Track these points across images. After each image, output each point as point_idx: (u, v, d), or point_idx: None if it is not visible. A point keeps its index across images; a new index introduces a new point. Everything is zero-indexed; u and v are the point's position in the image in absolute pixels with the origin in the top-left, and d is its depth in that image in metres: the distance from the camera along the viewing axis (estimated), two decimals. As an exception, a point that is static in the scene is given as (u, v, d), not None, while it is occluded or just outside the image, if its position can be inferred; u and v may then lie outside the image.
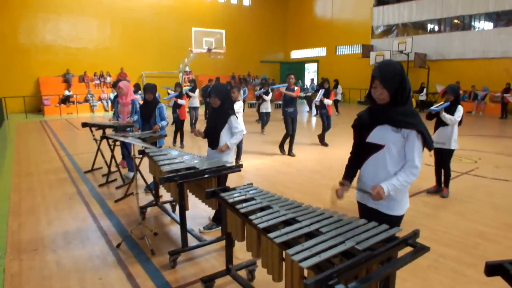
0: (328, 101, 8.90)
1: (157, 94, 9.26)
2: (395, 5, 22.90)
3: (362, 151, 2.29)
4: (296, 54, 30.47)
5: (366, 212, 2.31)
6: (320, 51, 28.16)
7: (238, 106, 6.32)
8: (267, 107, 11.28)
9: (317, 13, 28.07)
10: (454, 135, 5.10)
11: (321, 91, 9.03)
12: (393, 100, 2.14)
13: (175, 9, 24.23)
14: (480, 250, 3.64)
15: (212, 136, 4.04)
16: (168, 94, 11.70)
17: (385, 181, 2.13)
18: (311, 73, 29.56)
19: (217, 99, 3.93)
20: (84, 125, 6.48)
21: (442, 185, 5.36)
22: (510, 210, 4.75)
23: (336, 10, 26.46)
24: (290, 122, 7.98)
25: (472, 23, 20.05)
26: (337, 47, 26.77)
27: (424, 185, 5.60)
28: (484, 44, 18.84)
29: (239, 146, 7.01)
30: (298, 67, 29.85)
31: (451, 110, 5.05)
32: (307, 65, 29.78)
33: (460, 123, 5.11)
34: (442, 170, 5.32)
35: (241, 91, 15.17)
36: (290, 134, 8.03)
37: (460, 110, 5.04)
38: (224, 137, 3.98)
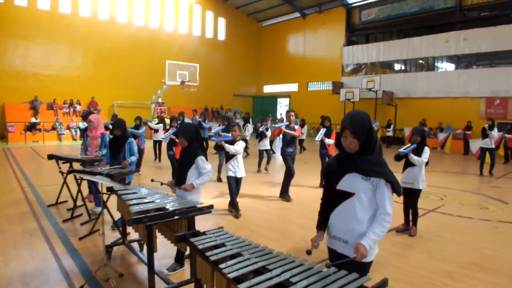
0: (329, 141, 8.30)
1: (136, 127, 9.19)
2: (364, 45, 23.99)
3: (332, 198, 2.33)
4: (268, 89, 31.11)
5: (336, 258, 2.31)
6: (292, 87, 28.89)
7: (240, 146, 6.11)
8: (266, 144, 10.85)
9: (290, 50, 28.99)
10: (421, 175, 5.29)
11: (322, 130, 8.39)
12: (362, 149, 2.21)
13: (150, 41, 24.45)
14: (447, 291, 3.69)
15: (179, 176, 4.00)
16: (150, 127, 11.50)
17: (364, 236, 2.16)
18: (283, 107, 30.10)
19: (184, 140, 3.91)
20: (50, 157, 6.29)
21: (411, 223, 5.46)
22: (475, 248, 4.87)
23: (308, 48, 27.42)
24: (291, 163, 7.46)
25: (436, 64, 21.22)
26: (309, 83, 27.58)
27: (393, 223, 5.68)
28: (446, 84, 19.92)
29: (232, 188, 6.23)
30: (270, 101, 30.41)
31: (418, 151, 5.25)
32: (279, 100, 30.36)
33: (427, 163, 5.31)
34: (411, 210, 5.43)
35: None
36: (293, 175, 7.44)
37: (426, 151, 5.25)
38: (191, 178, 3.94)
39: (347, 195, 2.24)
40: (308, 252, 2.23)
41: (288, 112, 7.64)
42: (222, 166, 9.06)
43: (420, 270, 4.17)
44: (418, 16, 21.37)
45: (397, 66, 23.17)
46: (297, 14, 27.58)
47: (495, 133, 10.65)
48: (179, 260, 4.00)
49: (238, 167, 6.16)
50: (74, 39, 21.59)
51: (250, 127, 13.96)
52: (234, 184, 6.17)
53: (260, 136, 11.00)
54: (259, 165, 10.90)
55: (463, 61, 19.90)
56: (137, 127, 9.66)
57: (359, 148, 2.21)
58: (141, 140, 9.53)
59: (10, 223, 5.47)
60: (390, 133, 19.68)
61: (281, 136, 7.64)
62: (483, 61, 19.28)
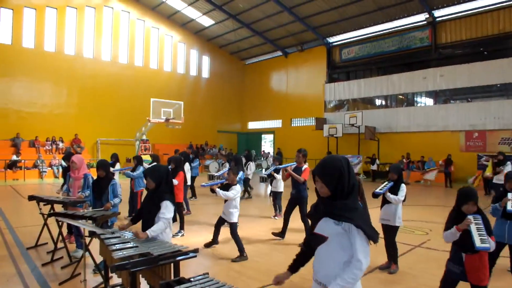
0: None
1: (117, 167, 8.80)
2: (345, 82, 24.74)
3: (311, 242, 2.38)
4: (253, 125, 31.47)
5: None
6: (276, 123, 29.31)
7: (234, 192, 5.85)
8: (278, 186, 9.46)
9: (273, 87, 29.65)
10: (398, 213, 5.31)
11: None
12: (333, 194, 2.24)
13: (134, 79, 24.71)
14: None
15: (146, 221, 3.79)
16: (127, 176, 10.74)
17: (333, 281, 2.17)
18: (267, 143, 30.34)
19: (151, 181, 3.78)
20: (31, 198, 6.16)
21: (387, 262, 5.45)
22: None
23: (291, 85, 28.09)
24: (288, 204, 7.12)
25: (415, 99, 21.94)
26: (292, 119, 28.01)
27: (379, 261, 5.66)
28: (427, 118, 20.54)
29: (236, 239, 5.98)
30: (255, 137, 30.70)
31: (395, 188, 5.29)
32: (263, 136, 30.64)
33: (404, 200, 5.34)
34: (390, 247, 5.42)
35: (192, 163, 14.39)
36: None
37: (403, 189, 5.28)
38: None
39: (322, 239, 2.26)
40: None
41: (297, 152, 7.02)
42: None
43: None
44: (396, 54, 22.26)
45: (378, 102, 23.82)
46: (279, 53, 28.41)
47: (508, 167, 10.35)
48: None
49: (230, 212, 5.96)
50: (58, 76, 21.65)
51: (252, 166, 13.02)
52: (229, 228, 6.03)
53: (270, 177, 10.23)
54: (276, 209, 9.63)
55: (441, 96, 20.66)
56: (134, 168, 8.89)
57: (331, 193, 2.24)
58: (135, 183, 8.74)
59: (-14, 269, 5.26)
60: (374, 167, 19.93)
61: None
62: (460, 96, 20.04)
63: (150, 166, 3.94)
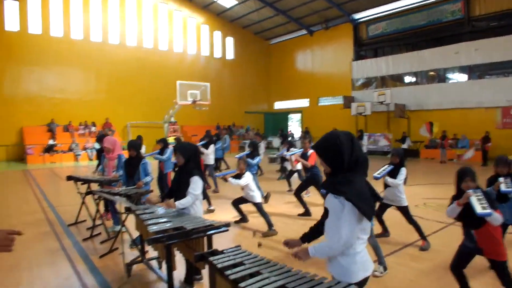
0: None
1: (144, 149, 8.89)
2: (372, 60, 24.09)
3: (323, 216, 2.45)
4: (279, 105, 31.29)
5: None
6: (303, 102, 29.01)
7: (245, 180, 6.13)
8: (295, 166, 9.53)
9: (299, 66, 29.24)
10: (401, 194, 5.34)
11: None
12: (333, 169, 2.27)
13: (160, 63, 25.01)
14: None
15: (176, 195, 3.96)
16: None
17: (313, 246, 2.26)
18: (294, 122, 30.20)
19: (181, 157, 3.94)
20: (69, 178, 6.45)
21: (419, 239, 5.42)
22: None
23: (317, 63, 27.64)
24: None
25: (447, 75, 21.15)
26: (319, 98, 27.64)
27: (407, 239, 5.63)
28: (459, 95, 19.74)
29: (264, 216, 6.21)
30: (281, 117, 30.55)
31: (395, 172, 5.29)
32: (290, 115, 30.48)
33: (404, 182, 5.34)
34: (413, 226, 5.39)
35: (224, 138, 14.90)
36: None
37: (402, 173, 5.28)
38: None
39: (328, 212, 2.32)
40: (259, 245, 2.34)
41: (302, 139, 7.33)
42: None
43: (441, 285, 4.14)
44: (425, 29, 21.40)
45: (407, 79, 23.15)
46: (304, 32, 27.90)
47: None
48: (188, 280, 4.03)
49: (250, 196, 6.23)
50: (86, 63, 22.22)
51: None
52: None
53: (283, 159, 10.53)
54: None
55: (475, 71, 19.79)
56: (161, 151, 8.86)
57: (330, 169, 2.28)
58: (165, 165, 8.75)
59: (33, 243, 5.61)
60: (405, 146, 19.32)
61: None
62: (496, 70, 19.12)
63: (181, 143, 4.08)
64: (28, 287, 4.08)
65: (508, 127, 17.70)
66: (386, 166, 5.43)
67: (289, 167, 10.48)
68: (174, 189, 4.06)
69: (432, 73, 21.68)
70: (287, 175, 10.22)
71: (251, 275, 2.20)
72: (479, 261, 3.76)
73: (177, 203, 3.80)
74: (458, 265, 3.58)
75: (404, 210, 5.39)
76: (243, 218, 6.71)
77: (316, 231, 2.56)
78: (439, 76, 21.47)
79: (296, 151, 7.32)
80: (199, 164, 4.13)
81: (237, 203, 6.56)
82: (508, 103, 17.97)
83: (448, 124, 19.57)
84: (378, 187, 5.62)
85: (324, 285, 2.05)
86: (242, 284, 2.05)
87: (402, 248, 5.38)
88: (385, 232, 5.77)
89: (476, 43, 19.09)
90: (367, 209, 2.13)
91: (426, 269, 4.63)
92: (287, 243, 2.54)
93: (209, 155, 10.17)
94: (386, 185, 5.42)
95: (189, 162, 3.95)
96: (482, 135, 17.11)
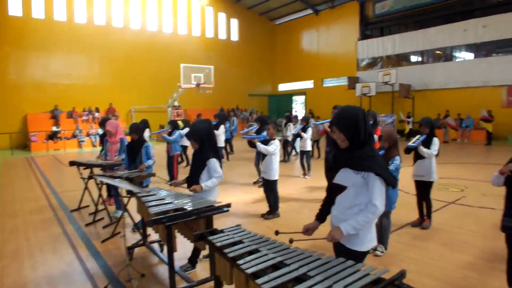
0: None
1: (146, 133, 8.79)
2: (378, 39, 23.73)
3: (332, 192, 2.45)
4: (283, 87, 31.04)
5: (337, 248, 2.45)
6: (308, 84, 28.75)
7: (273, 147, 5.78)
8: (306, 145, 9.51)
9: (304, 47, 28.88)
10: (432, 167, 5.18)
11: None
12: (351, 144, 2.28)
13: (164, 46, 24.75)
14: (469, 282, 3.65)
15: (191, 179, 3.93)
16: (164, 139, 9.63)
17: (345, 222, 2.25)
18: (299, 104, 29.99)
19: (195, 142, 3.87)
20: (72, 163, 6.44)
21: (425, 216, 5.37)
22: (497, 238, 4.72)
23: (322, 44, 27.27)
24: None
25: (454, 54, 20.80)
26: (324, 80, 27.39)
27: (411, 217, 5.60)
28: (465, 74, 19.47)
29: (275, 196, 6.05)
30: (286, 99, 30.34)
31: (427, 142, 5.15)
32: (294, 97, 30.27)
33: (437, 155, 5.19)
34: (424, 202, 5.34)
35: (232, 120, 14.85)
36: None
37: (435, 143, 5.14)
38: (204, 180, 3.88)
39: (341, 188, 2.34)
40: (276, 232, 2.41)
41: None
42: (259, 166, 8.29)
43: (440, 262, 4.12)
44: (434, 6, 20.94)
45: (413, 58, 22.83)
46: (310, 11, 27.45)
47: None
48: (192, 261, 4.03)
49: (270, 169, 5.87)
50: (90, 48, 22.05)
51: (292, 127, 12.22)
52: (265, 186, 6.04)
53: (298, 137, 10.07)
54: (304, 169, 9.61)
55: (482, 49, 19.43)
56: (169, 133, 8.94)
57: (349, 143, 2.29)
58: (172, 147, 8.78)
59: (36, 229, 5.63)
60: (410, 125, 19.31)
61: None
62: (503, 49, 18.72)
63: (191, 127, 3.98)
64: (31, 273, 4.08)
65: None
66: (418, 136, 5.29)
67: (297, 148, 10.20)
68: (191, 171, 4.01)
69: (438, 52, 21.35)
70: (301, 157, 9.78)
71: (250, 253, 2.18)
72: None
73: (203, 184, 3.79)
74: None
75: (429, 186, 5.27)
76: (275, 208, 6.13)
77: (328, 208, 2.54)
78: (446, 55, 21.15)
79: (325, 121, 6.91)
80: (214, 145, 4.03)
81: (266, 189, 6.11)
82: (515, 81, 17.69)
83: (452, 104, 19.38)
84: (408, 161, 5.56)
85: (322, 260, 2.03)
86: (240, 261, 2.03)
87: (403, 227, 5.35)
88: (422, 220, 5.36)
89: (484, 20, 18.69)
90: (391, 179, 2.29)
91: (427, 247, 4.60)
92: (308, 229, 2.49)
93: (219, 136, 10.03)
94: (417, 158, 5.26)
95: (203, 144, 3.86)
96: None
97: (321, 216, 2.56)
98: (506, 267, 3.30)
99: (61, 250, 4.75)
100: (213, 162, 3.86)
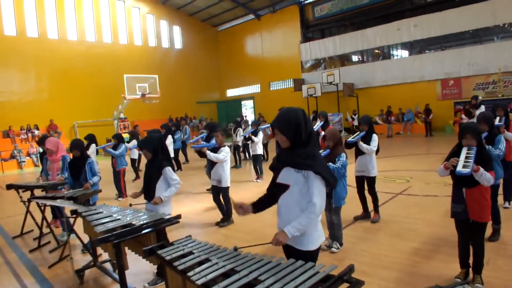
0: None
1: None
2: (320, 41, 24.45)
3: (275, 191, 2.48)
4: (232, 92, 31.06)
5: (285, 249, 2.47)
6: (255, 88, 29.02)
7: (224, 154, 5.70)
8: (256, 149, 9.69)
9: (249, 52, 29.11)
10: (372, 163, 5.40)
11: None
12: (293, 144, 2.33)
13: (106, 56, 23.82)
14: (419, 268, 3.83)
15: (147, 189, 3.91)
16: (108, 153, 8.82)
17: (289, 225, 2.25)
18: (248, 109, 30.14)
19: (148, 152, 3.84)
20: (9, 186, 6.05)
21: (371, 211, 5.55)
22: (442, 224, 5.02)
23: (266, 48, 27.62)
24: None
25: (391, 52, 21.91)
26: (271, 83, 27.76)
27: (353, 212, 5.73)
28: (403, 70, 20.58)
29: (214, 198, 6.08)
30: (234, 105, 30.34)
31: (366, 139, 5.37)
32: (243, 102, 30.37)
33: (377, 151, 5.44)
34: (371, 197, 5.52)
35: (184, 129, 14.58)
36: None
37: (375, 139, 5.36)
38: (160, 190, 3.86)
39: (284, 187, 2.37)
40: (235, 248, 2.31)
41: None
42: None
43: (391, 252, 4.30)
44: (369, 8, 21.94)
45: (354, 58, 23.73)
46: (252, 16, 27.73)
47: (482, 110, 9.45)
48: (159, 274, 3.92)
49: (221, 177, 5.79)
50: (23, 62, 20.67)
51: (241, 132, 12.16)
52: (216, 194, 5.95)
53: (248, 140, 10.14)
54: (256, 172, 9.74)
55: (416, 46, 20.64)
56: (114, 146, 8.58)
57: (290, 144, 2.34)
58: (117, 161, 8.44)
59: (-27, 261, 5.21)
60: (356, 123, 20.07)
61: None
62: (434, 45, 20.01)
63: (143, 138, 3.93)
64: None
65: (448, 98, 18.75)
66: (358, 132, 5.49)
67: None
68: (145, 182, 3.97)
69: (377, 50, 22.37)
70: (253, 161, 9.88)
71: (200, 263, 2.14)
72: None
73: (161, 195, 3.79)
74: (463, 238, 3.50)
75: (372, 181, 5.46)
76: (228, 216, 6.00)
77: (265, 203, 2.60)
78: (384, 54, 22.22)
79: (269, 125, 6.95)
80: (167, 154, 4.06)
81: (216, 197, 5.99)
82: (446, 76, 18.99)
83: (393, 99, 20.40)
84: (349, 158, 5.75)
85: (272, 264, 2.04)
86: (190, 273, 2.00)
87: (355, 222, 5.52)
88: (365, 214, 5.58)
89: (415, 20, 19.85)
90: (332, 179, 2.33)
91: (379, 239, 4.78)
92: (240, 207, 2.55)
93: (168, 146, 9.79)
94: (358, 155, 5.45)
95: (157, 154, 3.86)
96: (424, 108, 18.02)
97: (256, 206, 2.59)
98: (458, 251, 3.52)
99: (2, 282, 4.42)
100: (169, 170, 3.89)
